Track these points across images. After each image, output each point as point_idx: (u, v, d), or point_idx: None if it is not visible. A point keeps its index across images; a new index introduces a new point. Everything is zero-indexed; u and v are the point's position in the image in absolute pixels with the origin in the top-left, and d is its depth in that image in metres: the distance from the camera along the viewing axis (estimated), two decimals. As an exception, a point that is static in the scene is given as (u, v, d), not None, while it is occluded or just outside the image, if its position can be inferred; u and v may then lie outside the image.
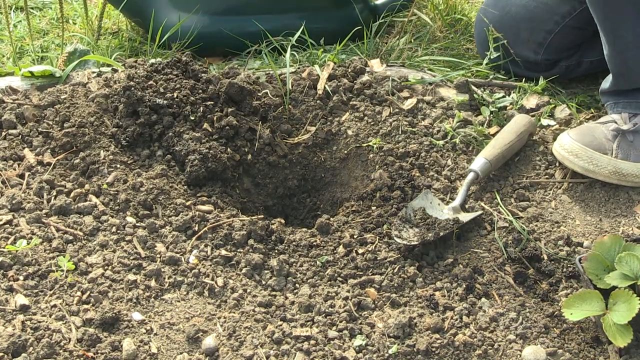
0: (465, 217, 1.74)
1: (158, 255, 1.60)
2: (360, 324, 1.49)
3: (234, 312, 1.50)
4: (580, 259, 1.56)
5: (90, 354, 1.37)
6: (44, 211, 1.68)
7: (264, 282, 1.59)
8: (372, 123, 2.03)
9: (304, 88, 2.11)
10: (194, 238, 1.66)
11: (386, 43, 2.46)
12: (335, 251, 1.68)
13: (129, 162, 1.85)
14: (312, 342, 1.44)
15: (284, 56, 2.22)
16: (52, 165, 1.80)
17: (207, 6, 2.47)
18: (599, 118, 2.04)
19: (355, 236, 1.71)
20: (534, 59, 2.24)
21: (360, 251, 1.67)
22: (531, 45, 2.23)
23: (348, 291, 1.57)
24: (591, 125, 1.93)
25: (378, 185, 1.88)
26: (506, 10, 2.24)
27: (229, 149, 1.90)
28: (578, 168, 1.86)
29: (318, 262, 1.63)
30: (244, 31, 2.44)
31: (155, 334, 1.44)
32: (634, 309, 1.39)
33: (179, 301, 1.52)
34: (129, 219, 1.68)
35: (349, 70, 2.18)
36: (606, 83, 1.99)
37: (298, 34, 2.33)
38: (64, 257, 1.56)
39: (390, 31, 2.68)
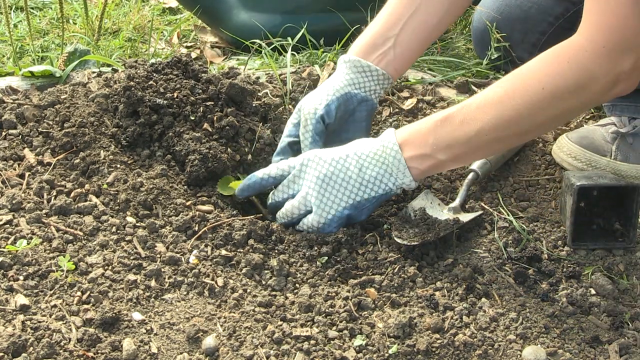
0: (465, 217, 1.74)
1: (158, 255, 1.60)
2: (360, 324, 1.49)
3: (234, 312, 1.50)
4: None
5: (90, 354, 1.37)
6: (44, 211, 1.68)
7: (264, 282, 1.59)
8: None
9: (304, 88, 2.11)
10: (194, 238, 1.66)
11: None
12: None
13: (129, 162, 1.85)
14: (312, 342, 1.44)
15: (284, 56, 2.22)
16: (52, 165, 1.80)
17: (278, 5, 2.46)
18: (598, 119, 2.04)
19: (355, 236, 1.71)
20: (528, 59, 2.24)
21: (360, 251, 1.67)
22: (525, 46, 2.23)
23: (348, 291, 1.56)
24: (590, 128, 1.94)
25: (378, 185, 1.87)
26: (501, 11, 2.24)
27: (229, 149, 1.90)
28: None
29: (318, 262, 1.63)
30: (313, 29, 2.41)
31: (156, 334, 1.44)
32: None
33: (179, 301, 1.52)
34: (129, 219, 1.68)
35: (349, 71, 2.17)
36: None
37: (299, 34, 2.32)
38: (64, 257, 1.56)
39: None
